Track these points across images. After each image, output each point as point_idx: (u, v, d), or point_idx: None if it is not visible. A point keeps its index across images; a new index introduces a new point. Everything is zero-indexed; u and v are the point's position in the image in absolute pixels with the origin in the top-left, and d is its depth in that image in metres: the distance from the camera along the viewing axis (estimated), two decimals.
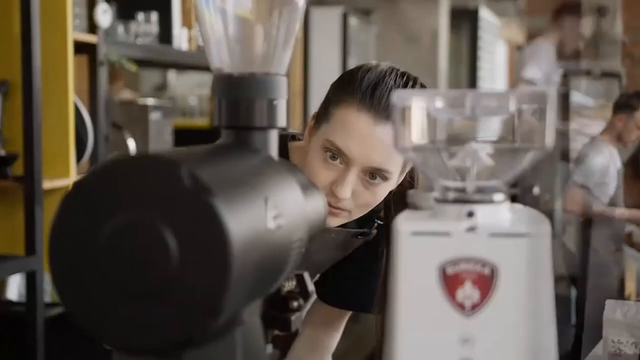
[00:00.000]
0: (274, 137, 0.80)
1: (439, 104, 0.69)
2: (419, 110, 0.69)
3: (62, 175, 2.45)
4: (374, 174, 1.25)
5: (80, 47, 2.57)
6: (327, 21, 4.82)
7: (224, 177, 0.64)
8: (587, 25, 4.54)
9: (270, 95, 0.79)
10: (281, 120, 0.80)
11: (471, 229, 0.66)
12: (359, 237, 1.42)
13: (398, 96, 0.69)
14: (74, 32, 2.49)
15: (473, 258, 0.66)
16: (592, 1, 8.99)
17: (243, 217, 0.62)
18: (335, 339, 1.58)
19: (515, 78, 4.39)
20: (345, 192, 1.24)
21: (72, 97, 2.46)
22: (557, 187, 5.51)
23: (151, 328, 0.60)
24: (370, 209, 1.31)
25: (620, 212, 4.31)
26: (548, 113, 0.66)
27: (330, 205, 1.25)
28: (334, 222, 1.29)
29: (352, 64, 6.25)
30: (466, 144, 0.70)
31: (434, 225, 0.67)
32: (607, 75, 8.40)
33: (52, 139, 2.44)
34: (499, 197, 0.69)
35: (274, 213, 0.68)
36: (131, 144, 2.84)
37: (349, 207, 1.28)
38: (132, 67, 2.70)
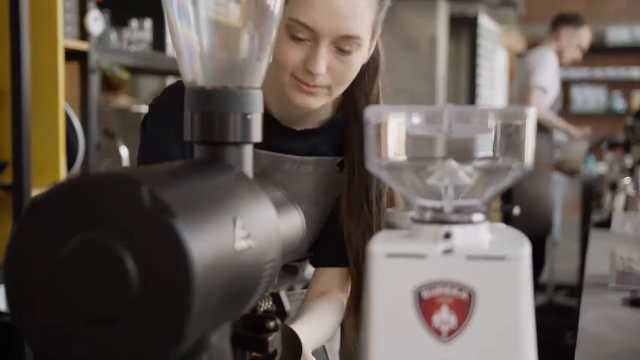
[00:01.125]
0: (248, 152, 0.77)
1: (416, 120, 0.66)
2: (394, 126, 0.67)
3: (52, 183, 2.42)
4: (345, 44, 1.21)
5: (72, 55, 2.54)
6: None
7: (189, 196, 0.62)
8: (586, 36, 4.52)
9: (245, 110, 0.76)
10: (256, 135, 0.78)
11: (448, 252, 0.64)
12: (339, 167, 1.38)
13: (373, 112, 0.67)
14: (65, 40, 2.46)
15: (450, 282, 0.63)
16: None
17: (208, 238, 0.60)
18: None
19: (525, 85, 4.36)
20: (320, 66, 1.20)
21: (62, 105, 2.43)
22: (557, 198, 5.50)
23: (109, 354, 0.57)
24: (349, 83, 1.27)
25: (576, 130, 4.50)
26: (527, 131, 0.64)
27: (307, 85, 1.23)
28: (316, 102, 1.26)
29: None
30: (444, 162, 0.67)
31: (409, 247, 0.64)
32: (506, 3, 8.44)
33: (43, 147, 2.41)
34: (478, 217, 0.66)
35: (244, 234, 0.65)
36: (124, 152, 2.81)
37: (326, 83, 1.24)
38: (124, 75, 2.67)
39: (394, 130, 0.67)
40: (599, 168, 8.06)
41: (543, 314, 5.08)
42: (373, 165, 0.67)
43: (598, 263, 2.09)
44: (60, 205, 0.58)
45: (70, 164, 2.51)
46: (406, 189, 0.68)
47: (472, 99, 7.19)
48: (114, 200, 0.57)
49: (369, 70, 1.34)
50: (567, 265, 5.52)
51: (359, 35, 1.21)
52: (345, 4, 1.19)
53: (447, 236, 0.65)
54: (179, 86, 1.25)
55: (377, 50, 1.34)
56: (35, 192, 2.33)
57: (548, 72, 4.28)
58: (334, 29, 1.19)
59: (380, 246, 0.64)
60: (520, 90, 4.37)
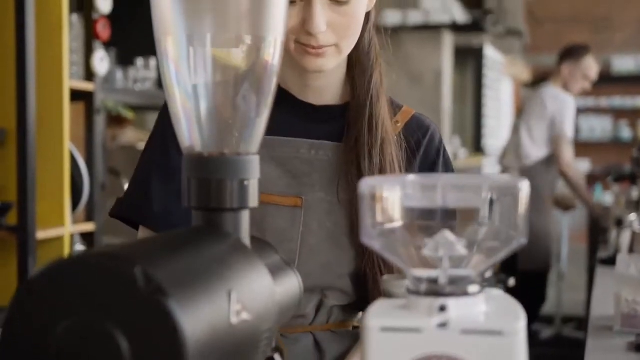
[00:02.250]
0: (245, 218, 0.78)
1: (410, 191, 0.66)
2: (388, 197, 0.67)
3: (57, 224, 2.43)
4: None
5: (78, 95, 2.56)
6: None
7: (183, 272, 0.62)
8: (590, 65, 4.52)
9: (242, 176, 0.77)
10: (253, 201, 0.78)
11: (443, 325, 0.64)
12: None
13: (366, 184, 0.67)
14: (71, 80, 2.48)
15: (445, 356, 0.63)
16: None
17: (202, 316, 0.60)
18: None
19: (554, 135, 4.33)
20: (318, 24, 1.13)
21: (67, 146, 2.44)
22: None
23: None
24: (356, 35, 1.18)
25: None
26: (520, 205, 0.64)
27: (312, 47, 1.15)
28: (326, 62, 1.18)
29: None
30: (438, 233, 0.67)
31: (404, 321, 0.64)
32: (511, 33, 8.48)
33: (48, 188, 2.42)
34: (473, 288, 0.66)
35: (239, 307, 0.65)
36: None
37: (332, 41, 1.16)
38: (129, 115, 2.69)
39: (387, 202, 0.67)
40: (606, 198, 8.04)
41: (551, 346, 5.05)
42: (367, 235, 0.67)
43: (603, 303, 2.08)
44: (54, 286, 0.58)
45: (75, 204, 2.52)
46: (401, 259, 0.68)
47: (477, 130, 7.20)
48: (107, 281, 0.57)
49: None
50: (574, 296, 5.49)
51: None
52: None
53: (442, 309, 0.65)
54: None
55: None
56: (40, 234, 2.34)
57: (571, 120, 4.34)
58: None
59: (375, 320, 0.64)
60: (551, 138, 4.36)
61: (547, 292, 4.61)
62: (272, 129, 1.23)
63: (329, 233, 1.22)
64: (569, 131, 4.30)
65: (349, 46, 1.18)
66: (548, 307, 5.84)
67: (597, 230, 4.52)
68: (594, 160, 10.06)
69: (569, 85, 4.44)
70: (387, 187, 0.67)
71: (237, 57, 0.77)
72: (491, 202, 0.66)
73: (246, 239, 0.77)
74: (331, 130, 1.26)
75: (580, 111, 10.00)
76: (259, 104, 0.79)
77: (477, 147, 7.19)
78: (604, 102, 9.92)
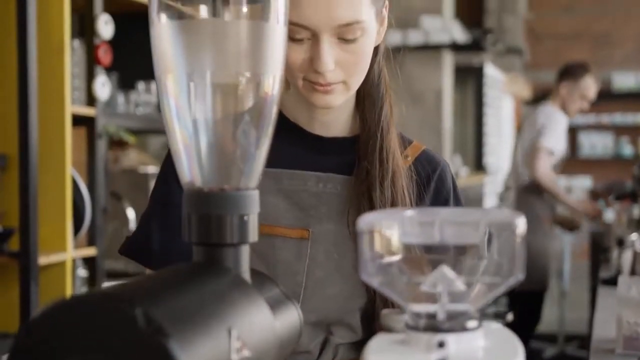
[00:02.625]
0: (245, 252, 0.78)
1: (408, 228, 0.67)
2: (386, 234, 0.67)
3: (59, 249, 2.44)
4: (347, 32, 1.12)
5: (79, 120, 2.57)
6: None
7: (183, 311, 0.62)
8: (588, 85, 4.53)
9: (242, 211, 0.77)
10: (253, 235, 0.78)
11: None
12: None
13: (364, 221, 0.67)
14: (73, 106, 2.50)
15: None
16: None
17: (203, 355, 0.60)
18: None
19: (533, 145, 4.38)
20: (326, 63, 1.11)
21: (69, 171, 2.45)
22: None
23: None
24: (364, 71, 1.17)
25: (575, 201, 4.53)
26: (517, 242, 0.64)
27: (320, 84, 1.14)
28: (334, 99, 1.17)
29: None
30: (436, 269, 0.68)
31: (402, 357, 0.65)
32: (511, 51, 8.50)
33: (49, 213, 2.43)
34: (472, 324, 0.67)
35: (239, 344, 0.66)
36: (130, 214, 2.83)
37: (340, 78, 1.15)
38: (130, 139, 2.70)
39: (386, 238, 0.67)
40: (608, 215, 8.02)
41: None
42: (366, 271, 0.68)
43: (605, 325, 2.08)
44: (55, 326, 0.59)
45: (77, 228, 2.53)
46: (399, 294, 0.69)
47: (478, 148, 7.21)
48: (108, 322, 0.58)
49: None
50: (577, 314, 5.47)
51: (358, 19, 1.11)
52: None
53: (441, 345, 0.65)
54: None
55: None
56: (42, 259, 2.34)
57: (555, 133, 4.33)
58: (329, 21, 1.10)
59: (374, 355, 0.65)
60: (529, 149, 4.40)
61: (542, 312, 4.60)
62: (281, 161, 1.24)
63: (336, 266, 1.21)
64: (548, 143, 4.30)
65: (357, 82, 1.18)
66: (551, 326, 5.82)
67: (599, 249, 4.52)
68: (596, 177, 10.07)
69: (566, 105, 4.45)
70: (385, 223, 0.67)
71: (237, 93, 0.78)
72: (489, 238, 0.66)
73: (246, 273, 0.78)
74: (340, 162, 1.25)
75: (582, 128, 10.03)
76: (258, 139, 0.80)
77: (478, 165, 7.20)
78: (605, 118, 9.94)
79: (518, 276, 0.66)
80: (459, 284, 0.67)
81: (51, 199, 2.43)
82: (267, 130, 0.80)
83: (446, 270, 0.68)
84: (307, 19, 1.10)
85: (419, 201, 1.23)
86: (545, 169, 4.28)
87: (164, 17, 0.76)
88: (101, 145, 2.61)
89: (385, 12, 1.21)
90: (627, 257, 2.88)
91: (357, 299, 1.21)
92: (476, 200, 6.82)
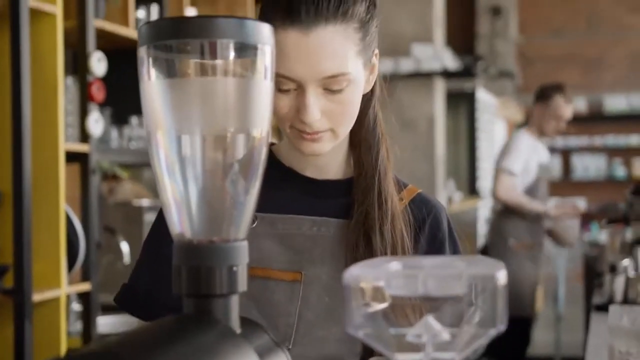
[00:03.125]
0: (234, 302, 0.80)
1: (392, 281, 0.69)
2: (372, 287, 0.69)
3: (53, 286, 2.44)
4: (332, 84, 1.13)
5: (73, 156, 2.59)
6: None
7: None
8: (559, 105, 4.49)
9: (231, 262, 0.79)
10: (242, 285, 0.80)
11: None
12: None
13: (350, 275, 0.69)
14: (66, 143, 2.52)
15: None
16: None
17: None
18: None
19: (495, 170, 4.45)
20: (312, 113, 1.13)
21: (63, 207, 2.47)
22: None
23: None
24: (352, 119, 1.18)
25: (553, 209, 4.48)
26: (499, 295, 0.66)
27: (306, 133, 1.15)
28: (322, 147, 1.18)
29: None
30: (422, 319, 0.70)
31: None
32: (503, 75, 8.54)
33: (44, 250, 2.44)
34: None
35: None
36: (124, 248, 2.84)
37: (327, 126, 1.16)
38: (124, 175, 2.72)
39: (371, 291, 0.69)
40: (601, 236, 8.04)
41: None
42: (351, 324, 0.70)
43: (598, 352, 2.09)
44: None
45: (71, 264, 2.54)
46: (385, 345, 0.70)
47: (472, 172, 7.24)
48: None
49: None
50: (573, 337, 5.48)
51: (344, 71, 1.13)
52: (318, 45, 1.11)
53: None
54: None
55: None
56: (36, 296, 2.35)
57: (516, 154, 4.36)
58: (315, 74, 1.12)
59: None
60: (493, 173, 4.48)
61: (531, 338, 4.58)
62: (276, 205, 1.25)
63: (327, 308, 1.21)
64: (507, 164, 4.33)
65: (344, 130, 1.19)
66: (547, 349, 5.82)
67: (593, 273, 4.53)
68: (589, 199, 10.08)
69: (542, 127, 4.47)
70: (371, 277, 0.69)
71: (225, 147, 0.80)
72: (472, 289, 0.68)
73: (235, 323, 0.79)
74: (334, 205, 1.25)
75: (575, 150, 10.09)
76: (247, 190, 0.82)
77: (472, 189, 7.23)
78: (598, 140, 10.00)
79: (500, 327, 0.68)
80: (444, 334, 0.69)
81: (45, 236, 2.44)
82: (255, 182, 0.82)
83: (431, 320, 0.70)
84: (292, 72, 1.12)
85: (415, 244, 1.25)
86: (504, 189, 4.32)
87: (153, 75, 0.78)
88: (94, 180, 2.63)
89: (375, 60, 1.22)
90: (619, 282, 2.90)
91: (349, 343, 1.21)
92: (470, 224, 6.84)
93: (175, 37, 0.77)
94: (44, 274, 2.43)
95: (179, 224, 0.81)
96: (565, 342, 5.43)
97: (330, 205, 1.26)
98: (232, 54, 0.77)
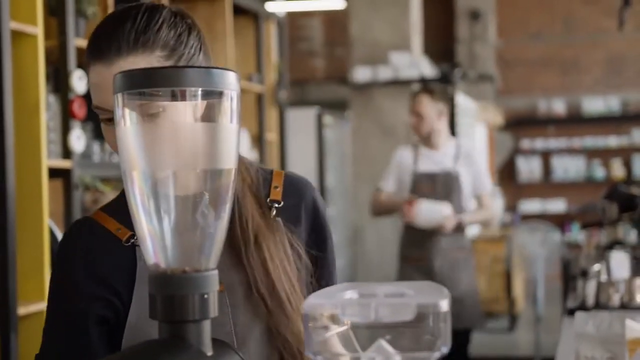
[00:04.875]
0: (206, 327, 0.86)
1: (347, 310, 0.76)
2: (329, 315, 0.76)
3: (37, 299, 2.50)
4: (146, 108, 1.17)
5: (55, 172, 2.65)
6: (302, 120, 4.95)
7: None
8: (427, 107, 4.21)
9: (202, 290, 0.86)
10: (213, 311, 0.87)
11: None
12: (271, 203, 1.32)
13: (309, 304, 0.76)
14: (49, 159, 2.57)
15: None
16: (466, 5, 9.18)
17: None
18: None
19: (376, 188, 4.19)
20: None
21: (47, 223, 2.52)
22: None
23: None
24: None
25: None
26: (442, 318, 0.73)
27: None
28: None
29: (328, 159, 6.39)
30: (375, 343, 0.77)
31: None
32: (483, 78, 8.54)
33: (27, 264, 2.49)
34: None
35: None
36: None
37: None
38: (106, 189, 2.78)
39: (328, 319, 0.76)
40: (581, 237, 8.14)
41: None
42: (311, 350, 0.77)
43: (568, 358, 2.15)
44: None
45: None
46: None
47: None
48: None
49: None
50: (553, 337, 5.56)
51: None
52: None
53: None
54: (85, 223, 1.28)
55: None
56: (21, 310, 2.41)
57: (393, 175, 4.19)
58: None
59: None
60: None
61: (468, 352, 4.39)
62: None
63: (253, 312, 1.27)
64: (381, 184, 4.20)
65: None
66: (527, 349, 5.91)
67: (569, 273, 4.60)
68: (569, 200, 10.24)
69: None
70: (327, 305, 0.76)
71: (196, 184, 0.87)
72: (419, 316, 0.75)
73: (207, 346, 0.86)
74: None
75: (554, 152, 10.20)
76: (216, 223, 0.89)
77: None
78: (577, 142, 10.12)
79: (443, 349, 0.75)
80: (396, 357, 0.76)
81: (29, 250, 2.49)
82: (224, 214, 0.89)
83: (384, 344, 0.77)
84: (103, 102, 1.19)
85: (297, 236, 1.31)
86: (372, 207, 4.23)
87: (128, 120, 0.85)
88: (77, 196, 2.69)
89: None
90: (590, 287, 2.97)
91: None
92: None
93: (147, 86, 0.84)
94: (29, 288, 2.49)
95: (154, 255, 0.88)
96: (545, 343, 5.52)
97: None
98: (199, 100, 0.84)
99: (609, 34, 9.49)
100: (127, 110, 0.85)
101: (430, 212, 3.98)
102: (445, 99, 4.25)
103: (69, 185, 2.66)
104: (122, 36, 1.19)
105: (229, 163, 0.87)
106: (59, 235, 2.60)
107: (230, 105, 0.86)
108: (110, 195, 3.70)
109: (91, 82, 1.22)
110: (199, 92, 0.84)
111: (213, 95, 0.85)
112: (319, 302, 0.77)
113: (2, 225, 2.38)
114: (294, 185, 1.36)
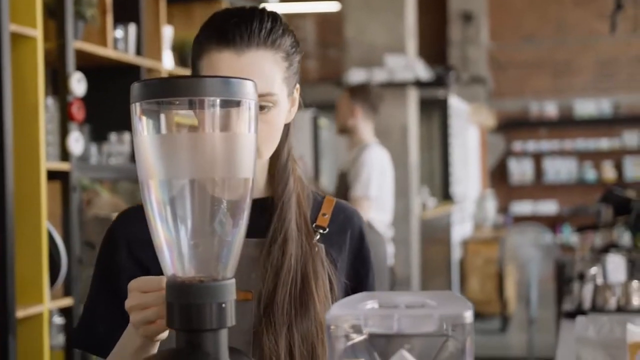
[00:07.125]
0: (224, 336, 0.86)
1: (370, 321, 0.76)
2: (351, 326, 0.76)
3: (36, 302, 2.49)
4: (261, 101, 1.19)
5: (54, 174, 2.64)
6: (297, 122, 4.91)
7: None
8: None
9: (220, 299, 0.86)
10: (230, 320, 0.87)
11: None
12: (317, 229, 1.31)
13: (332, 315, 0.76)
14: (48, 162, 2.56)
15: None
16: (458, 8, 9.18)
17: None
18: None
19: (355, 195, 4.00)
20: None
21: (45, 225, 2.52)
22: None
23: None
24: (276, 142, 1.25)
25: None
26: (467, 331, 0.74)
27: None
28: None
29: (324, 162, 6.39)
30: (396, 353, 0.77)
31: None
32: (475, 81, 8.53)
33: (26, 267, 2.48)
34: None
35: None
36: None
37: None
38: (103, 192, 2.77)
39: (350, 329, 0.76)
40: (573, 239, 8.16)
41: None
42: (332, 357, 0.77)
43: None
44: None
45: (53, 279, 2.59)
46: None
47: (445, 178, 7.34)
48: None
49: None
50: (546, 338, 5.58)
51: (272, 92, 1.20)
52: (249, 64, 1.19)
53: None
54: (135, 210, 1.26)
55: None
56: (19, 312, 2.40)
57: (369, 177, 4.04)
58: None
59: None
60: None
61: None
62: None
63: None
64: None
65: (267, 150, 1.25)
66: (520, 351, 5.93)
67: (563, 276, 4.61)
68: (561, 201, 10.27)
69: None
70: (349, 317, 0.76)
71: (214, 193, 0.87)
72: (442, 327, 0.75)
73: (225, 355, 0.86)
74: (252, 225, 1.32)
75: (546, 154, 10.23)
76: (234, 231, 0.89)
77: (445, 194, 7.32)
78: (568, 144, 10.15)
79: None
80: None
81: (28, 252, 2.49)
82: (242, 222, 0.89)
83: (405, 354, 0.77)
84: None
85: (337, 261, 1.31)
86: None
87: (145, 130, 0.85)
88: (75, 198, 2.68)
89: (296, 95, 1.30)
90: (587, 290, 2.97)
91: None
92: (444, 230, 6.93)
93: (167, 95, 0.84)
94: (27, 290, 2.48)
95: (171, 265, 0.88)
96: (538, 344, 5.53)
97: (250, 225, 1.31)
98: (218, 110, 0.84)
99: (601, 37, 9.51)
100: (144, 120, 0.85)
101: None
102: (364, 100, 4.10)
103: (67, 187, 2.65)
104: (253, 30, 1.21)
105: (246, 170, 0.87)
106: (57, 238, 2.59)
107: (248, 114, 0.86)
108: (106, 197, 3.69)
109: (214, 68, 1.19)
110: (218, 102, 0.84)
111: (231, 105, 0.85)
112: (342, 313, 0.77)
113: (0, 228, 2.37)
114: (342, 214, 1.36)
